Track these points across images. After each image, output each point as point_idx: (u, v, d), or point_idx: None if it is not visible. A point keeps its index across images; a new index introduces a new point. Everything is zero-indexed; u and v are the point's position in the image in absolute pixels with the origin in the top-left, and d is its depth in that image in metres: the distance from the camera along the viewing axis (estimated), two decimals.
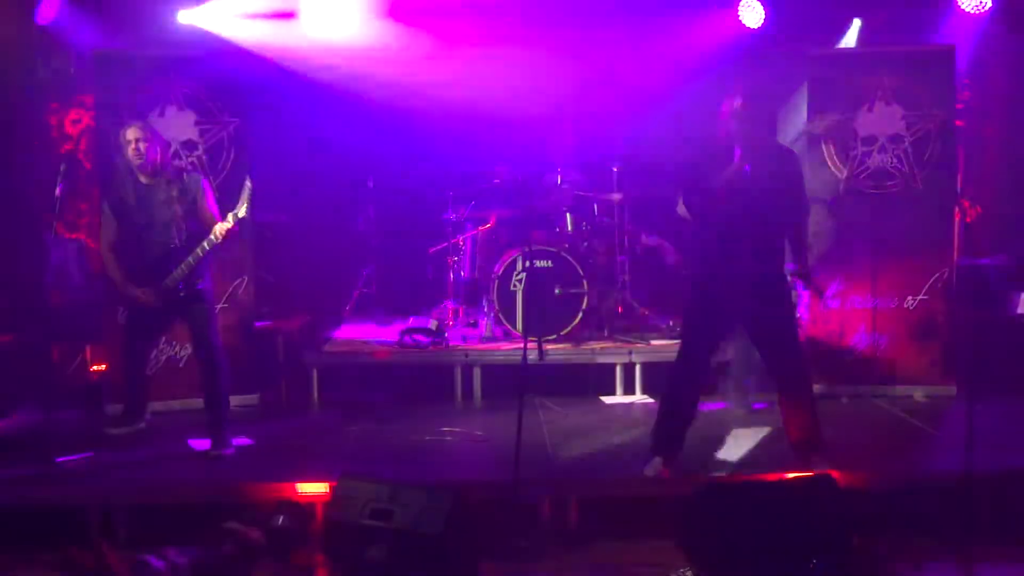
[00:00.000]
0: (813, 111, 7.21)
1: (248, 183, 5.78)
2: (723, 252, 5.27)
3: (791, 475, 5.17)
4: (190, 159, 7.03)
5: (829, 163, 7.21)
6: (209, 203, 5.95)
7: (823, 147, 7.21)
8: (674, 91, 8.24)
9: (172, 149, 6.92)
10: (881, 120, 7.19)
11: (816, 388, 5.71)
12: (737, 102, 5.21)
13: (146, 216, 5.85)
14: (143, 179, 5.78)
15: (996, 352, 6.97)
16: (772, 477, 5.23)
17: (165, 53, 7.23)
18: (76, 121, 8.02)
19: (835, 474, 4.97)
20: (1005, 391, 6.62)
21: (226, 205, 6.24)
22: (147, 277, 5.91)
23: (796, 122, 7.36)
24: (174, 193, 5.84)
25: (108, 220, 5.97)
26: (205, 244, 5.79)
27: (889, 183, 7.18)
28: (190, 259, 5.82)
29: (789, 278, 5.53)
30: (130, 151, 5.77)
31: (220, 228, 5.75)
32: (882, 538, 4.92)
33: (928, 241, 7.16)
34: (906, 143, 7.17)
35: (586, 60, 8.50)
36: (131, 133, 5.79)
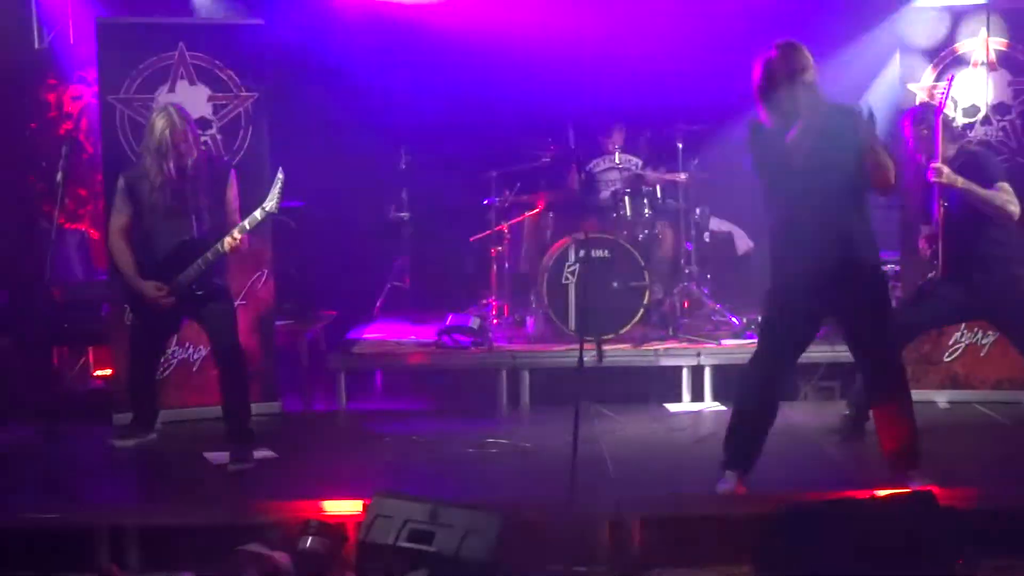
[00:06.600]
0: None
1: (280, 175, 5.90)
2: (795, 236, 5.25)
3: (885, 492, 5.15)
4: (203, 139, 7.11)
5: None
6: (231, 195, 6.09)
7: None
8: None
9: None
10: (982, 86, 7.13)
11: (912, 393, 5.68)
12: (773, 53, 5.15)
13: (166, 206, 5.94)
14: (169, 166, 5.89)
15: None
16: (863, 494, 5.21)
17: (175, 21, 7.35)
18: (76, 98, 8.14)
19: (936, 490, 4.95)
20: None
21: (241, 191, 6.31)
22: (158, 271, 6.00)
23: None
24: (201, 182, 5.95)
25: (123, 203, 6.07)
26: (220, 246, 5.90)
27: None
28: (208, 255, 5.92)
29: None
30: (159, 136, 5.86)
31: (237, 233, 5.90)
32: (989, 564, 4.89)
33: None
34: (1013, 113, 7.11)
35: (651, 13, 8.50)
36: (162, 119, 5.89)
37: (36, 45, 8.22)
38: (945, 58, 7.17)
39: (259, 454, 6.16)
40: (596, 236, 7.93)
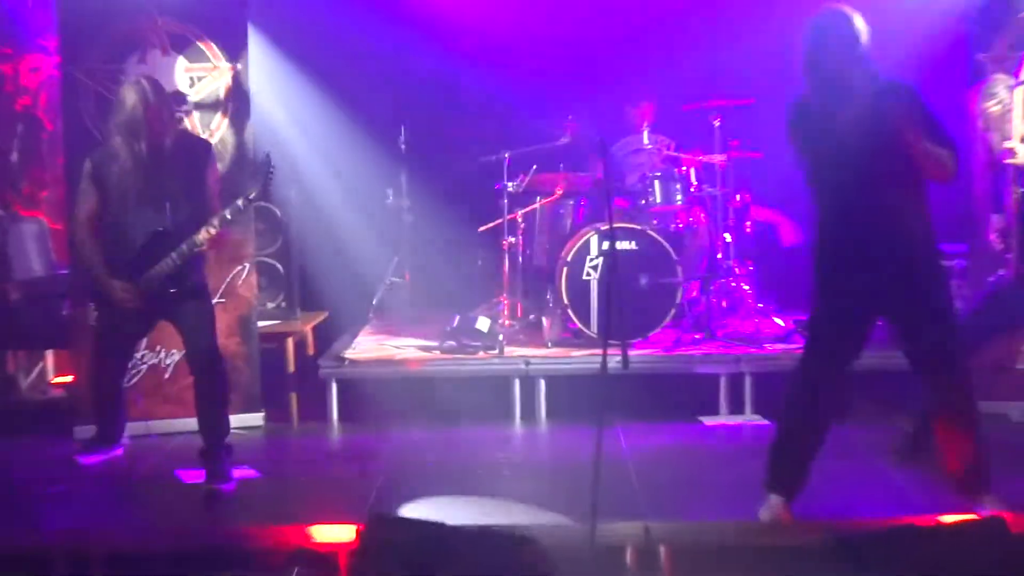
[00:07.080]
0: None
1: (270, 159, 5.95)
2: (844, 227, 5.26)
3: (950, 519, 5.16)
4: (179, 115, 7.14)
5: None
6: (212, 179, 6.10)
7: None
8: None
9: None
10: None
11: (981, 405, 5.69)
12: (822, 21, 5.14)
13: (138, 191, 5.94)
14: (141, 146, 5.92)
15: None
16: (925, 521, 5.22)
17: None
18: (35, 70, 8.16)
19: (1008, 517, 4.95)
20: None
21: (221, 174, 6.33)
22: (127, 266, 6.01)
23: None
24: (177, 164, 5.97)
25: (89, 188, 6.07)
26: (197, 238, 5.91)
27: None
28: (184, 248, 5.91)
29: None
30: (129, 112, 5.87)
31: (217, 223, 5.90)
32: None
33: None
34: None
35: None
36: (133, 92, 5.90)
37: None
38: (1018, 26, 7.17)
39: (239, 473, 6.18)
40: (622, 226, 7.93)
